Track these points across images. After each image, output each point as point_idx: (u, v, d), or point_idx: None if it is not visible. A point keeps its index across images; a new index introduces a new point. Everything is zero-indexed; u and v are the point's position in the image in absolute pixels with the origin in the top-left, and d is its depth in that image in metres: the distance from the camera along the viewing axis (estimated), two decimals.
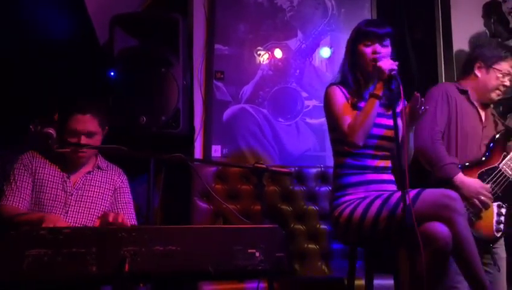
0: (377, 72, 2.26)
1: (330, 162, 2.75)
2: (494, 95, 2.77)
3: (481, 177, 2.65)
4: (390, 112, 2.38)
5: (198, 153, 3.30)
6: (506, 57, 2.74)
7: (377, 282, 2.45)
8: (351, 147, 2.33)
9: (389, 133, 2.37)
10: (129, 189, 2.66)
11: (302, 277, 3.02)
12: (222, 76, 3.39)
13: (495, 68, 2.73)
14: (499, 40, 3.48)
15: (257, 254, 1.64)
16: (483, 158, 2.69)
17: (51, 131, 2.35)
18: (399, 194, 2.19)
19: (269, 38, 3.46)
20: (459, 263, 2.16)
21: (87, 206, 2.50)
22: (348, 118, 2.31)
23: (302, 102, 3.45)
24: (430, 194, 2.18)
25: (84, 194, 2.51)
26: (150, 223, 2.65)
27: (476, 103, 2.80)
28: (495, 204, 2.61)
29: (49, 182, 2.46)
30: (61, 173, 2.50)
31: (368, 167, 2.36)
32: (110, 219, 2.33)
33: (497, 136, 2.73)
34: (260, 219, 2.85)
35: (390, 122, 2.36)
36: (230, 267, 1.63)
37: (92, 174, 2.56)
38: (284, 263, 1.67)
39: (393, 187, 2.40)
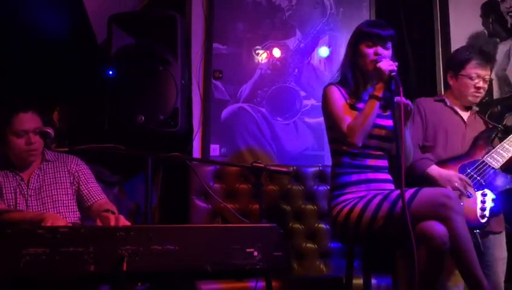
0: (377, 73, 2.26)
1: (328, 161, 2.75)
2: (472, 98, 2.78)
3: (462, 168, 2.65)
4: (387, 113, 2.39)
5: (196, 152, 3.30)
6: (469, 59, 2.73)
7: (374, 281, 2.45)
8: (350, 147, 2.33)
9: (386, 133, 2.37)
10: (87, 169, 2.63)
11: (301, 276, 3.02)
12: (220, 75, 3.38)
13: (461, 74, 2.75)
14: (497, 39, 3.48)
15: (255, 253, 1.64)
16: (466, 154, 2.71)
17: (49, 130, 2.35)
18: (397, 192, 2.19)
19: (268, 38, 3.46)
20: (457, 262, 2.16)
21: (48, 201, 2.48)
22: (347, 118, 2.31)
23: (301, 101, 3.45)
24: (428, 193, 2.18)
25: (42, 190, 2.49)
26: (148, 222, 2.64)
27: (455, 107, 2.82)
28: (479, 192, 2.60)
29: (6, 189, 2.44)
30: (14, 177, 2.47)
31: (366, 166, 2.37)
32: (112, 223, 2.30)
33: (482, 134, 2.74)
34: (258, 218, 2.85)
35: (387, 122, 2.38)
36: (228, 266, 1.63)
37: (43, 169, 2.53)
38: (282, 262, 1.67)
39: (391, 186, 2.41)
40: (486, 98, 3.46)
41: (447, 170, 2.64)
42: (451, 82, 2.81)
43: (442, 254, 2.09)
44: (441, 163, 2.68)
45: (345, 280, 2.43)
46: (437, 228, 2.08)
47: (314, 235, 3.15)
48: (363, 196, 2.29)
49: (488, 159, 2.66)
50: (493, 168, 2.64)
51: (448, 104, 2.82)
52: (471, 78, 2.73)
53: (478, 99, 2.81)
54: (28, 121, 2.42)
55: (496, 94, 3.48)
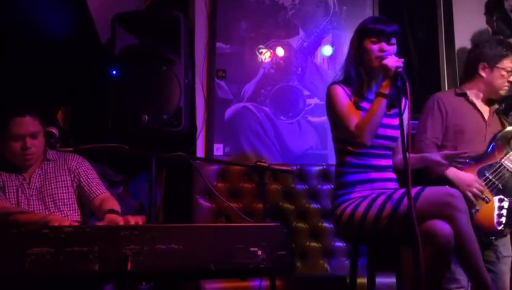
0: (383, 70, 2.25)
1: (332, 160, 2.76)
2: (503, 92, 2.82)
3: (481, 172, 2.66)
4: (392, 111, 2.38)
5: (200, 151, 3.31)
6: (507, 54, 2.79)
7: (379, 280, 2.45)
8: (358, 147, 2.32)
9: (392, 132, 2.37)
10: (87, 165, 2.63)
11: (304, 275, 3.02)
12: (224, 74, 3.38)
13: (499, 67, 2.77)
14: (501, 37, 3.47)
15: (259, 252, 1.65)
16: (484, 155, 2.70)
17: (53, 130, 2.36)
18: (401, 191, 2.19)
19: (271, 37, 3.45)
20: (461, 261, 2.16)
21: (49, 200, 2.48)
22: (354, 117, 2.30)
23: (304, 100, 3.44)
24: (432, 192, 2.17)
25: (43, 190, 2.49)
26: (151, 221, 2.64)
27: (477, 103, 2.82)
28: (496, 198, 2.62)
29: (9, 188, 2.45)
30: (17, 176, 2.49)
31: (370, 166, 2.36)
32: (121, 223, 2.30)
33: (500, 134, 2.74)
34: (262, 217, 2.85)
35: (392, 121, 2.37)
36: (232, 265, 1.63)
37: (44, 169, 2.54)
38: (286, 261, 1.67)
39: (395, 185, 2.40)
40: None
41: (465, 173, 2.64)
42: (483, 73, 2.80)
43: (447, 253, 2.09)
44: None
45: (349, 279, 2.43)
46: (442, 227, 2.08)
47: (318, 234, 3.14)
48: (366, 195, 2.29)
49: (506, 162, 2.66)
50: (511, 172, 2.65)
51: (470, 99, 2.82)
52: (507, 71, 2.77)
53: (506, 93, 2.83)
54: (25, 125, 2.43)
55: None
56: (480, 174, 2.65)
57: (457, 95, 2.84)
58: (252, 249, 1.64)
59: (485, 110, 2.83)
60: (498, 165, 2.66)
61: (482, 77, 2.81)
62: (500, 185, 2.63)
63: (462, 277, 2.63)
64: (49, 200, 2.49)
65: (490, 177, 2.64)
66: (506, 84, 2.79)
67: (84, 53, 3.21)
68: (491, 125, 2.80)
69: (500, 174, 2.64)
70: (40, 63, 3.12)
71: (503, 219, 2.57)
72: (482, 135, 2.76)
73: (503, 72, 2.77)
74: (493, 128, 2.79)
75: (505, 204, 2.60)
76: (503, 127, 2.81)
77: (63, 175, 2.56)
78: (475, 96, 2.83)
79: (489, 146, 2.72)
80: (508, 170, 2.65)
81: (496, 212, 2.58)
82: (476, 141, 2.74)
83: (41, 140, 2.48)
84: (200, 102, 3.34)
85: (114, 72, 2.91)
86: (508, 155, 2.68)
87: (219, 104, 3.36)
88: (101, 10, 3.15)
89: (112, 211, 2.36)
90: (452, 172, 2.63)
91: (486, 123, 2.79)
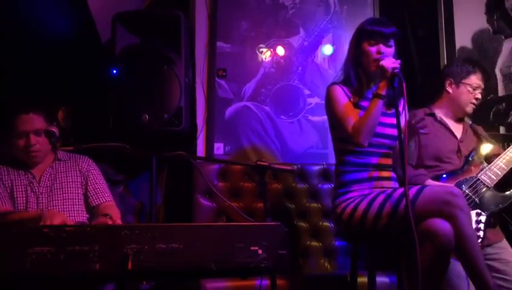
0: (380, 71, 2.26)
1: (333, 159, 2.76)
2: (469, 109, 2.82)
3: (458, 185, 2.65)
4: (391, 111, 2.39)
5: (200, 150, 3.31)
6: (474, 71, 2.80)
7: (379, 279, 2.45)
8: (355, 147, 2.33)
9: (391, 131, 2.37)
10: (97, 170, 2.64)
11: (305, 274, 3.03)
12: (224, 74, 3.39)
13: (464, 83, 2.78)
14: (501, 36, 3.47)
15: (260, 252, 1.65)
16: (461, 170, 2.71)
17: (53, 129, 2.36)
18: (401, 190, 2.19)
19: (271, 36, 3.46)
20: (462, 261, 2.16)
21: (59, 199, 2.49)
22: (351, 118, 2.31)
23: (305, 99, 3.45)
24: (432, 190, 2.18)
25: (53, 189, 2.50)
26: (152, 220, 2.65)
27: (446, 121, 2.83)
28: (474, 212, 2.60)
29: (17, 187, 2.46)
30: (25, 175, 2.49)
31: (370, 165, 2.37)
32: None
33: (476, 149, 2.75)
34: (263, 217, 2.85)
35: (392, 120, 2.37)
36: (232, 264, 1.63)
37: (55, 168, 2.55)
38: (287, 261, 1.67)
39: (395, 184, 2.40)
40: (491, 96, 3.46)
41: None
42: (450, 89, 2.82)
43: (448, 251, 2.09)
44: (436, 179, 2.68)
45: (349, 278, 2.43)
46: (442, 225, 2.08)
47: (318, 233, 3.15)
48: (366, 194, 2.29)
49: (482, 177, 2.66)
50: (487, 186, 2.64)
51: (438, 117, 2.82)
52: (473, 88, 2.78)
53: (471, 111, 2.84)
54: (29, 122, 2.43)
55: (500, 91, 3.47)
56: (458, 187, 2.62)
57: (427, 115, 2.84)
58: (252, 248, 1.64)
59: (456, 127, 2.84)
60: (475, 180, 2.66)
61: (448, 93, 2.82)
62: (477, 200, 2.62)
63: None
64: (59, 199, 2.50)
65: (467, 191, 2.63)
66: (473, 100, 2.79)
67: (84, 52, 3.22)
68: (465, 142, 2.80)
69: (477, 188, 2.64)
70: (41, 63, 3.13)
71: (481, 233, 2.56)
72: (455, 152, 2.76)
73: (469, 88, 2.77)
74: (467, 144, 2.79)
75: (482, 218, 2.59)
76: (480, 142, 2.82)
77: (73, 176, 2.57)
78: (444, 114, 2.84)
79: (465, 161, 2.73)
80: (484, 184, 2.64)
81: (474, 226, 2.54)
82: (451, 158, 2.74)
83: (45, 137, 2.49)
84: (200, 101, 3.34)
85: (114, 71, 2.91)
86: (484, 170, 2.68)
87: (219, 104, 3.37)
88: (101, 10, 3.15)
89: (105, 215, 2.37)
90: (431, 183, 2.61)
91: (459, 140, 2.79)
